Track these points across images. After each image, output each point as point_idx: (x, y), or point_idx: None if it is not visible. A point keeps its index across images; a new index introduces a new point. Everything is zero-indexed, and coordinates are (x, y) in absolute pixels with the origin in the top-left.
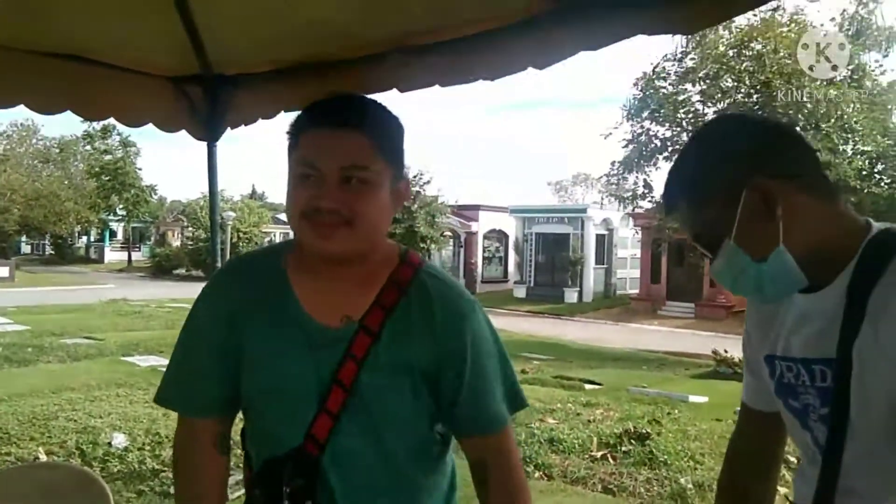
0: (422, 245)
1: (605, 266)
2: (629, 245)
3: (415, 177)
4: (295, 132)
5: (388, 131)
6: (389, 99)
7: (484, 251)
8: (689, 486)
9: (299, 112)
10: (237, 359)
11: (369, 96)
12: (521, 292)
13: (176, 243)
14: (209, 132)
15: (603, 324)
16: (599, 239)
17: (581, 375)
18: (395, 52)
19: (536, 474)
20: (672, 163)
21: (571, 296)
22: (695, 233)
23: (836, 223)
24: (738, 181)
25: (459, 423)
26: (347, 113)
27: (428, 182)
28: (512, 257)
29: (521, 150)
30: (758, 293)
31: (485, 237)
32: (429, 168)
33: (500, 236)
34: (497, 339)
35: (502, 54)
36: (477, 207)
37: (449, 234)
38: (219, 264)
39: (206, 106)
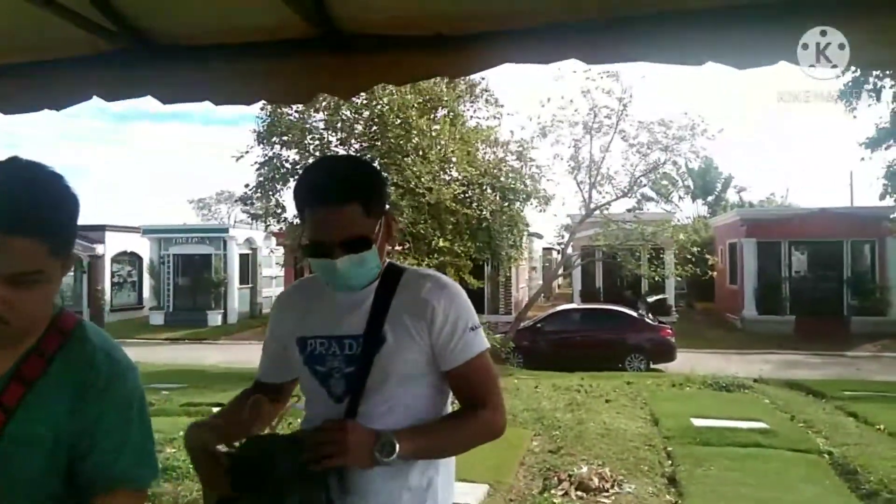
0: None
1: (250, 286)
2: (273, 264)
3: None
4: None
5: (62, 227)
6: None
7: (113, 276)
8: None
9: None
10: None
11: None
12: (158, 319)
13: None
14: None
15: (248, 344)
16: (244, 258)
17: (213, 399)
18: None
19: None
20: (335, 161)
21: (216, 318)
22: (353, 232)
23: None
24: (384, 206)
25: (86, 483)
26: (18, 217)
27: None
28: (147, 281)
29: (155, 166)
30: (359, 286)
31: (114, 260)
32: None
33: (133, 259)
34: (142, 408)
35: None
36: (102, 228)
37: None
38: None
39: None
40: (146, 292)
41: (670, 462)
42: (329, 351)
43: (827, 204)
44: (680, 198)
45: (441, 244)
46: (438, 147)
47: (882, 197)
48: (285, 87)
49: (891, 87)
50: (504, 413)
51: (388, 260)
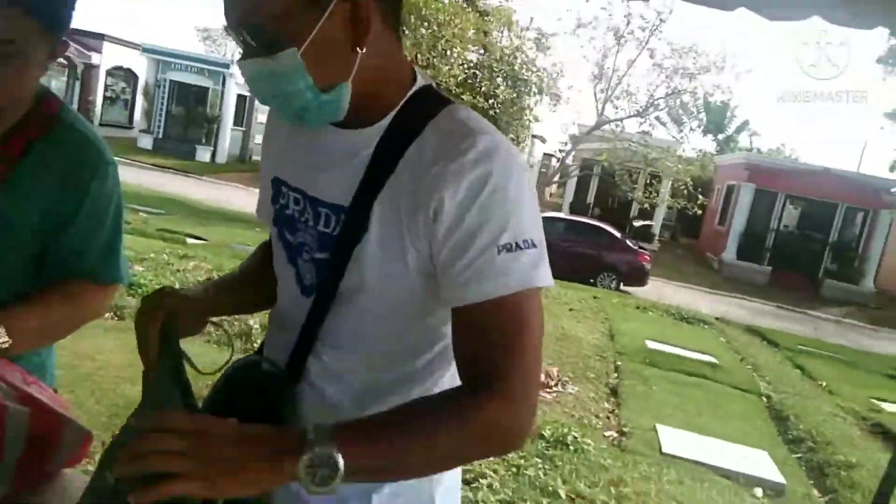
0: None
1: (243, 129)
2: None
3: None
4: None
5: None
6: None
7: (106, 90)
8: (255, 324)
9: None
10: None
11: None
12: (146, 142)
13: None
14: None
15: (234, 186)
16: (241, 99)
17: (189, 231)
18: None
19: (107, 315)
20: None
21: (204, 154)
22: (257, 19)
23: (395, 64)
24: None
25: (53, 270)
26: None
27: None
28: (140, 102)
29: None
30: (297, 120)
31: (108, 74)
32: None
33: (129, 76)
34: (118, 206)
35: None
36: (101, 37)
37: (62, 62)
38: None
39: None
40: (137, 114)
41: (616, 375)
42: (302, 216)
43: (833, 165)
44: (691, 129)
45: None
46: (453, 25)
47: (892, 169)
48: None
49: None
50: (528, 408)
51: (421, 81)
